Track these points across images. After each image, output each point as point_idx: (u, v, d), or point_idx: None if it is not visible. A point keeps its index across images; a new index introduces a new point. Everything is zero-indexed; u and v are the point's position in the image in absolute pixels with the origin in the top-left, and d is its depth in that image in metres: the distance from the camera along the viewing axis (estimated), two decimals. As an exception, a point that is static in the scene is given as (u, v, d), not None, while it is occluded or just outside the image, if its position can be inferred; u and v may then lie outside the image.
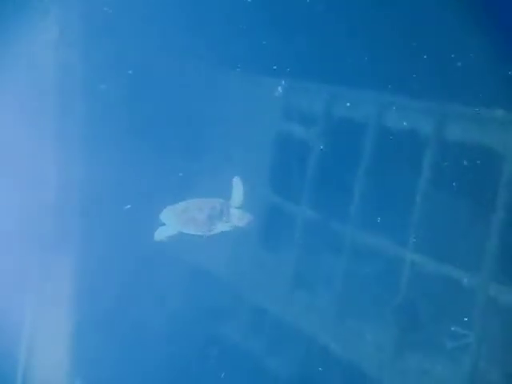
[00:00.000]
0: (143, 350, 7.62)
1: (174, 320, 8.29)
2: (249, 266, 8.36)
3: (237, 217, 5.99)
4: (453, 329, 6.61)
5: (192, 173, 9.17)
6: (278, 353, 7.92)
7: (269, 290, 7.96)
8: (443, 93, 5.88)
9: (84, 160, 7.67)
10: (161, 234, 6.12)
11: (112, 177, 7.81)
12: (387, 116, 6.61)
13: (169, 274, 8.08)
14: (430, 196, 6.29)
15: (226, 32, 8.53)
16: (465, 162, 5.80)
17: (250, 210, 6.42)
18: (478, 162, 5.69)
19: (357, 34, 7.03)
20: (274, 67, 7.89)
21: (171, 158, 8.76)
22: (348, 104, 7.10)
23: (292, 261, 7.70)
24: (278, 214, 8.04)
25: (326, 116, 7.39)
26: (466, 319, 6.06)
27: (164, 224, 6.06)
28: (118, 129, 8.22)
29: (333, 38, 7.23)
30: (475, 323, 5.87)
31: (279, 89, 8.01)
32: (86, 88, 7.78)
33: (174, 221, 6.05)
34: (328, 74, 7.35)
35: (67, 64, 7.68)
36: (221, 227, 6.01)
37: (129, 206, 7.38)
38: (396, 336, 6.49)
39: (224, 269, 8.58)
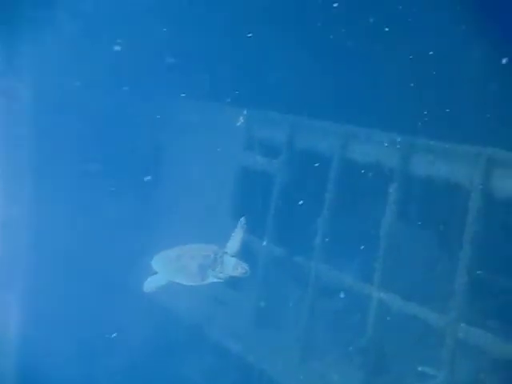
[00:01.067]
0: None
1: (133, 356, 8.00)
2: (211, 303, 8.07)
3: (231, 266, 5.46)
4: (420, 369, 6.39)
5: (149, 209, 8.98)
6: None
7: (231, 328, 7.67)
8: (409, 125, 5.71)
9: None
10: (151, 285, 5.77)
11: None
12: (351, 148, 6.41)
13: (129, 308, 7.87)
14: (396, 232, 6.06)
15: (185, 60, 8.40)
16: (431, 198, 5.62)
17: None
18: (445, 197, 5.50)
19: (321, 64, 6.88)
20: (235, 95, 7.71)
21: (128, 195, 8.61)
22: (311, 135, 6.90)
23: (255, 298, 7.42)
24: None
25: (289, 147, 7.17)
26: (435, 360, 5.83)
27: (155, 272, 5.76)
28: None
29: (297, 66, 7.07)
30: (444, 364, 5.61)
31: (241, 118, 7.81)
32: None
33: (166, 269, 5.68)
34: (292, 104, 7.16)
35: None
36: (213, 277, 5.55)
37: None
38: (362, 379, 6.20)
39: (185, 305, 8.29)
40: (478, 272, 5.48)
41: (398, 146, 5.87)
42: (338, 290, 6.66)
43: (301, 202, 7.10)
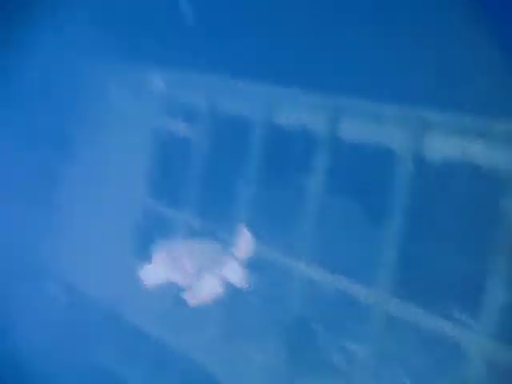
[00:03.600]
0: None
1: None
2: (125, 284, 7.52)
3: (233, 272, 4.87)
4: (347, 345, 6.12)
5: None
6: (160, 376, 7.14)
7: (147, 309, 7.14)
8: (338, 87, 5.28)
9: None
10: (147, 276, 5.18)
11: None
12: (277, 112, 5.95)
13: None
14: (323, 202, 5.68)
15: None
16: (360, 165, 5.24)
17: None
18: (375, 164, 5.14)
19: (243, 21, 6.35)
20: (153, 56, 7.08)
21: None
22: (235, 98, 6.39)
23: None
24: (156, 219, 7.22)
25: (211, 111, 6.63)
26: (363, 336, 5.54)
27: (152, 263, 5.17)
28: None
29: (217, 23, 6.51)
30: (371, 339, 5.31)
31: (158, 82, 7.20)
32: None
33: (164, 261, 5.06)
34: (213, 64, 6.60)
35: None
36: (208, 280, 4.91)
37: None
38: (287, 357, 5.83)
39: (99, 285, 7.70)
40: (409, 244, 5.17)
41: (327, 109, 5.46)
42: (263, 266, 6.24)
43: (223, 172, 6.62)
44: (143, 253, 7.46)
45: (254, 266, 6.63)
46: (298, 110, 5.76)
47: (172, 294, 6.85)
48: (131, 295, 7.35)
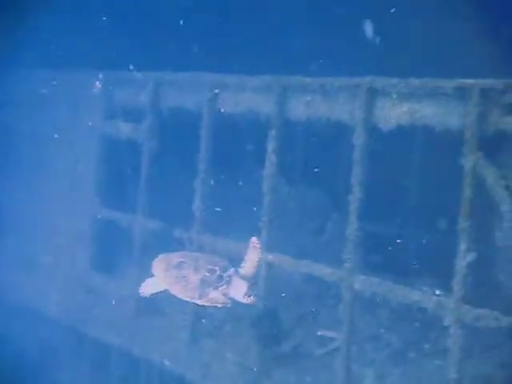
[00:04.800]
0: None
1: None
2: (85, 296, 7.19)
3: (239, 290, 4.49)
4: (320, 333, 5.95)
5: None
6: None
7: (110, 320, 6.83)
8: (279, 64, 5.12)
9: None
10: (146, 289, 4.80)
11: None
12: (222, 99, 5.75)
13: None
14: (278, 185, 5.49)
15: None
16: (313, 143, 5.08)
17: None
18: (328, 140, 5.00)
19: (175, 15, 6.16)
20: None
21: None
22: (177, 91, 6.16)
23: (132, 283, 6.62)
24: (112, 226, 6.92)
25: (154, 108, 6.38)
26: (334, 320, 5.37)
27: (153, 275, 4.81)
28: None
29: (149, 17, 6.30)
30: (343, 323, 5.12)
31: (97, 83, 6.91)
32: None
33: (163, 275, 4.67)
34: (152, 60, 6.37)
35: None
36: (213, 298, 4.53)
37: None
38: (259, 352, 5.62)
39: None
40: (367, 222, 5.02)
41: (272, 90, 5.29)
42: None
43: (173, 169, 6.38)
44: (102, 264, 7.18)
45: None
46: (245, 95, 5.57)
47: (134, 303, 6.59)
48: (92, 308, 7.06)
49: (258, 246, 4.62)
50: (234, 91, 5.64)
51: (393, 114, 4.60)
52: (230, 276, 4.56)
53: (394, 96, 4.57)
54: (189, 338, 6.10)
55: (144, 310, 6.61)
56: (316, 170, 5.65)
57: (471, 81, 4.14)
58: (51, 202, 7.55)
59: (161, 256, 4.95)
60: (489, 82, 4.06)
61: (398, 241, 5.90)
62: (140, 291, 4.87)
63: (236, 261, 5.60)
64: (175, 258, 4.84)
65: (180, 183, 6.29)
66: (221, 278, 4.57)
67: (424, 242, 6.35)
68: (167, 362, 6.17)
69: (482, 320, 4.11)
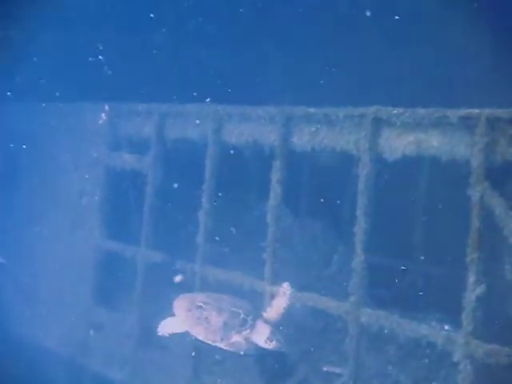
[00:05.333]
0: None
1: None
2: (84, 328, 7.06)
3: (263, 336, 4.41)
4: (325, 369, 5.77)
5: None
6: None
7: (111, 354, 6.69)
8: (285, 96, 5.11)
9: None
10: (165, 328, 4.71)
11: None
12: (226, 130, 5.72)
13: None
14: (283, 218, 5.41)
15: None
16: (319, 173, 5.01)
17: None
18: (333, 170, 4.92)
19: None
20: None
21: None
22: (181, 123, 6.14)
23: (135, 315, 6.50)
24: (115, 258, 6.83)
25: (159, 139, 6.36)
26: (340, 356, 5.21)
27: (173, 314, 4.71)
28: None
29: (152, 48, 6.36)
30: (349, 358, 4.96)
31: (103, 115, 6.92)
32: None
33: (184, 316, 4.58)
34: (157, 92, 6.39)
35: None
36: (236, 342, 4.42)
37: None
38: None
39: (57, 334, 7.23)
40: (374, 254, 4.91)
41: (276, 121, 5.25)
42: (227, 291, 5.90)
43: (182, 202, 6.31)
44: (104, 297, 7.07)
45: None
46: (249, 126, 5.54)
47: (134, 337, 6.46)
48: (93, 342, 6.93)
49: (288, 292, 4.48)
50: (237, 122, 5.61)
51: (398, 143, 4.55)
52: (254, 320, 4.41)
53: (400, 126, 4.52)
54: (190, 373, 5.94)
55: (146, 341, 6.48)
56: (322, 200, 5.58)
57: (477, 110, 4.09)
58: (58, 237, 7.51)
59: (183, 295, 4.81)
60: (495, 111, 4.01)
61: (403, 268, 5.74)
62: (158, 330, 4.73)
63: (239, 293, 5.51)
64: (198, 298, 4.70)
65: (184, 214, 6.23)
66: (245, 321, 4.42)
67: (432, 275, 6.22)
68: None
69: (492, 356, 3.98)
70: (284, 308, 4.62)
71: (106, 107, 6.85)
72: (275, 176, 5.29)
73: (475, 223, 4.11)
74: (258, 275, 5.36)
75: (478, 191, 4.10)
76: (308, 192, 6.39)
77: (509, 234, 3.96)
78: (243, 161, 5.64)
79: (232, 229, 6.07)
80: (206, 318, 4.58)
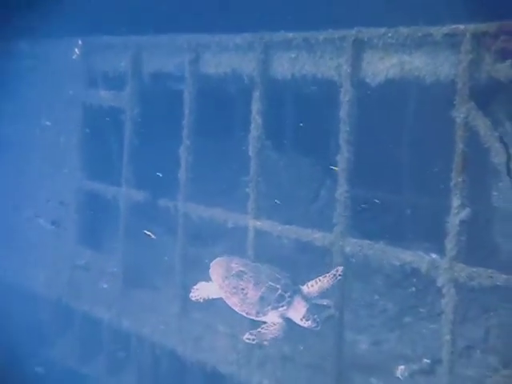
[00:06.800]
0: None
1: None
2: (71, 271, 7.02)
3: (300, 313, 4.22)
4: (313, 302, 5.75)
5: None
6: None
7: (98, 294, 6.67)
8: (263, 21, 4.85)
9: None
10: (201, 293, 4.53)
11: None
12: (204, 61, 5.49)
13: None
14: (265, 148, 5.25)
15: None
16: (300, 101, 4.82)
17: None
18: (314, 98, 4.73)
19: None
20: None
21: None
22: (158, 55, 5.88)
23: (120, 255, 6.44)
24: (96, 199, 6.70)
25: (135, 74, 6.11)
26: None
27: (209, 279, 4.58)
28: None
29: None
30: (334, 289, 4.92)
31: (76, 50, 6.65)
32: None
33: (221, 283, 4.38)
34: (131, 23, 6.09)
35: None
36: (272, 317, 4.30)
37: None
38: (251, 322, 5.44)
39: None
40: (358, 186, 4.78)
41: (254, 47, 5.01)
42: (211, 229, 5.82)
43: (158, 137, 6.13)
44: (88, 238, 6.99)
45: (201, 236, 6.27)
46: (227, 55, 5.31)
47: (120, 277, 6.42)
48: (80, 284, 6.89)
49: (339, 276, 4.32)
50: (215, 51, 5.37)
51: (381, 66, 4.35)
52: (291, 297, 4.27)
53: (382, 48, 4.31)
54: (179, 310, 5.92)
55: (133, 281, 6.45)
56: (306, 132, 5.40)
57: (462, 26, 3.89)
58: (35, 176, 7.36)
59: (219, 260, 4.62)
60: (481, 25, 3.81)
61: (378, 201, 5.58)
62: (192, 294, 4.59)
63: (223, 230, 5.42)
64: (235, 265, 4.51)
65: (163, 150, 6.05)
66: (282, 297, 4.24)
67: (418, 204, 6.14)
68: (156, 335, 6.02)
69: (476, 278, 3.93)
70: (326, 288, 4.47)
71: (80, 42, 6.56)
72: (255, 106, 5.10)
73: (460, 146, 3.98)
74: (242, 211, 5.27)
75: (462, 112, 3.95)
76: (292, 124, 6.19)
77: (494, 155, 3.84)
78: (223, 92, 5.43)
79: (214, 165, 5.92)
80: (243, 289, 4.39)
